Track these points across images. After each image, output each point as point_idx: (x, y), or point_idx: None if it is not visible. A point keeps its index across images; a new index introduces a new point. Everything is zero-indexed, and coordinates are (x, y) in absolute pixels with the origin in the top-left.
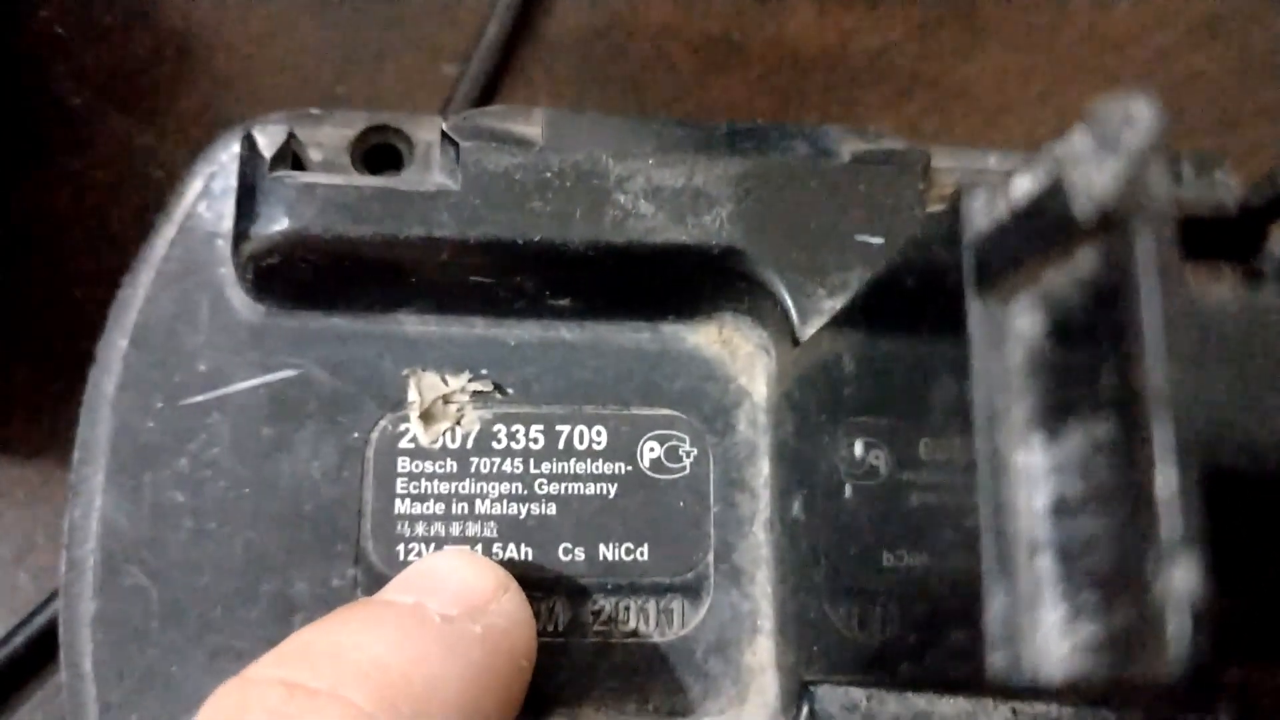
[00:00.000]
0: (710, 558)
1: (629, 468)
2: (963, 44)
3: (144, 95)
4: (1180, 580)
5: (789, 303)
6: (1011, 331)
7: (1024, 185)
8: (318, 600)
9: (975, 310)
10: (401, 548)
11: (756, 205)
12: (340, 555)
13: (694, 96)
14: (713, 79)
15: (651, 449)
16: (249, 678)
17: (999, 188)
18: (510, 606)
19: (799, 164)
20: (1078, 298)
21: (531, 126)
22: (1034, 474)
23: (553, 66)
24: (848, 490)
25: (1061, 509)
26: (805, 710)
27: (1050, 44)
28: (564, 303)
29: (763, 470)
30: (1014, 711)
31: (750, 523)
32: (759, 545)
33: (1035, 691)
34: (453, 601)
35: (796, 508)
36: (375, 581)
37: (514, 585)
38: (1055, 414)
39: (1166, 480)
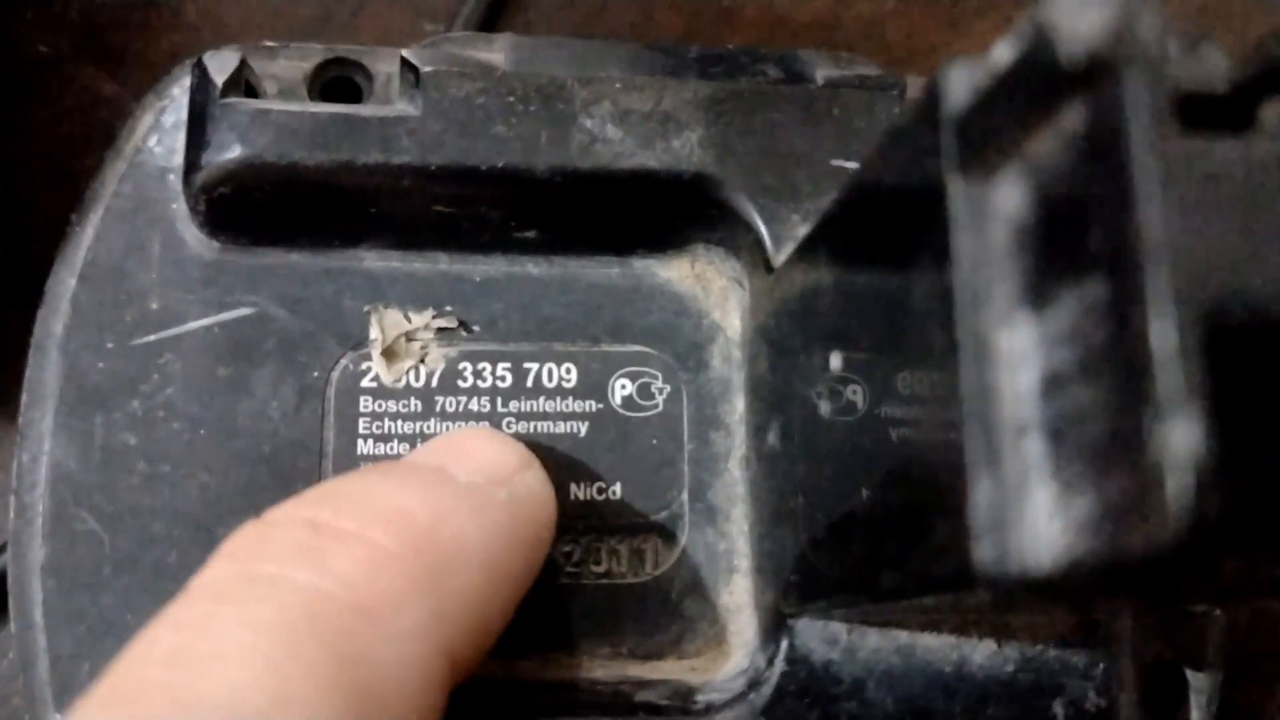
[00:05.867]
0: (684, 496)
1: (600, 406)
2: (957, 17)
3: (113, 45)
4: (1180, 436)
5: (762, 229)
6: (994, 210)
7: (1006, 49)
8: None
9: (956, 190)
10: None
11: (727, 129)
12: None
13: None
14: (699, 44)
15: (623, 386)
16: (269, 519)
17: (978, 59)
18: (533, 480)
19: (771, 88)
20: (1065, 159)
21: (494, 52)
22: (1019, 353)
23: (535, 28)
24: (825, 426)
25: (1050, 384)
26: (784, 645)
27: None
28: (530, 235)
29: (738, 407)
30: (999, 644)
31: (726, 460)
32: (735, 483)
33: (1024, 584)
34: (477, 470)
35: (772, 444)
36: None
37: (536, 463)
38: (1042, 286)
39: (1163, 331)
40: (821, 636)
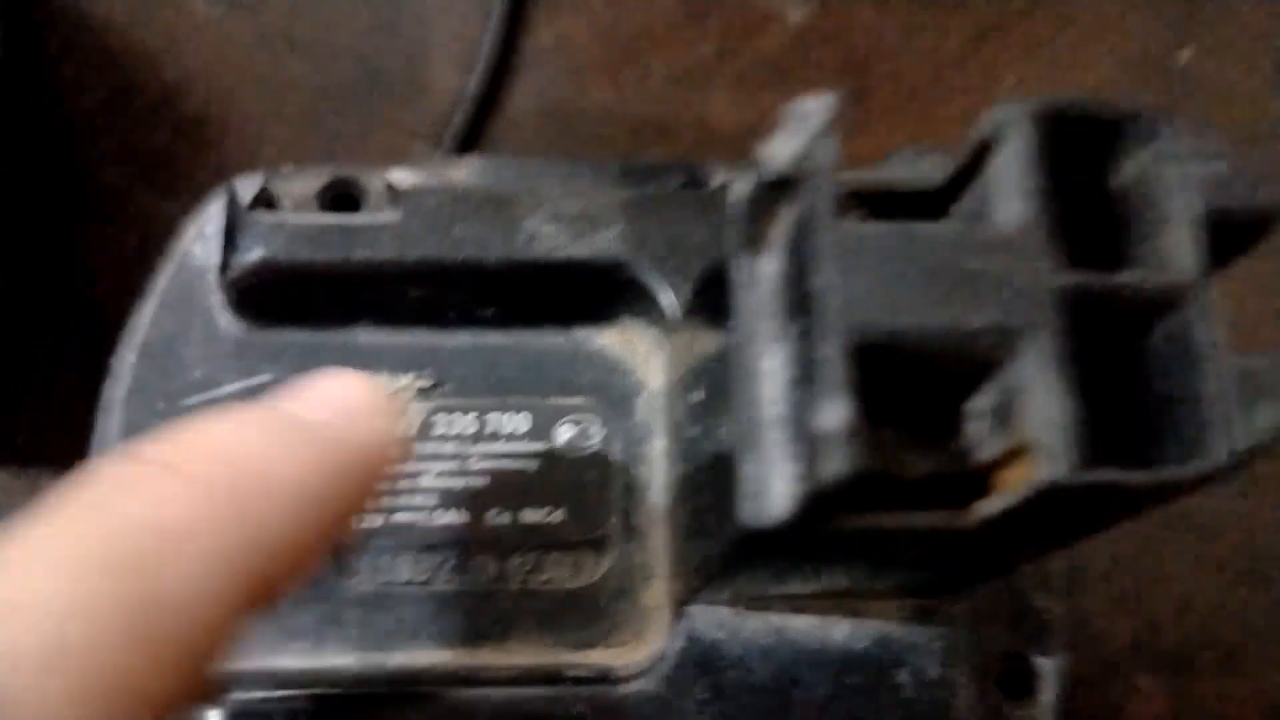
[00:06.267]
0: (614, 518)
1: (547, 446)
2: (864, 120)
3: (166, 173)
4: (831, 417)
5: (668, 304)
6: (761, 275)
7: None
8: None
9: (737, 262)
10: (360, 515)
11: (640, 225)
12: None
13: None
14: (644, 153)
15: (566, 431)
16: (110, 456)
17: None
18: (380, 425)
19: (676, 192)
20: (793, 239)
21: (460, 170)
22: (772, 372)
23: (507, 145)
24: (695, 450)
25: (787, 391)
26: (682, 627)
27: (926, 120)
28: (489, 312)
29: (658, 445)
30: (855, 625)
31: (648, 489)
32: (656, 507)
33: (770, 530)
34: (321, 409)
35: (688, 479)
36: (335, 543)
37: (393, 414)
38: (785, 323)
39: (825, 349)
40: (711, 620)
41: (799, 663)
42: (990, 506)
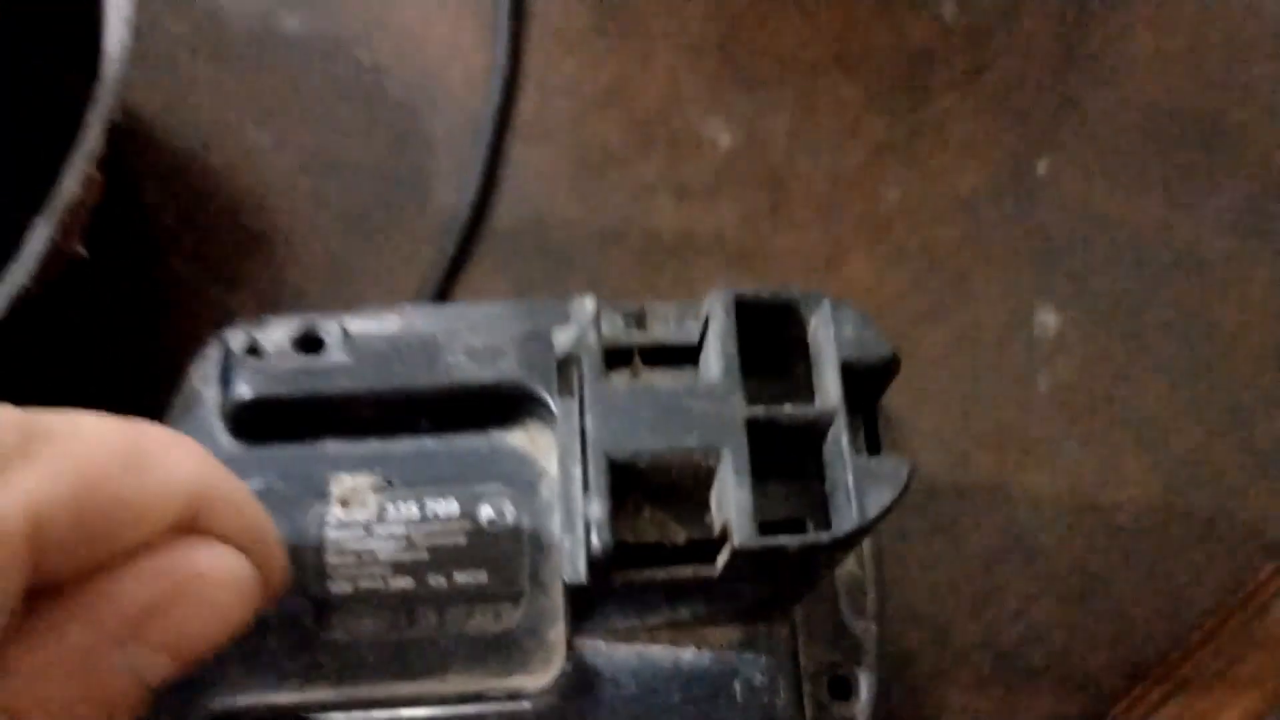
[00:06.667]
0: (526, 576)
1: (472, 524)
2: (773, 226)
3: (230, 272)
4: (594, 510)
5: (556, 412)
6: (572, 412)
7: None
8: (282, 610)
9: (560, 403)
10: (329, 582)
11: (531, 353)
12: (294, 587)
13: (589, 269)
14: (605, 256)
15: (486, 511)
16: None
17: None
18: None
19: (555, 324)
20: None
21: (395, 316)
22: (578, 478)
23: (493, 252)
24: None
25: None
26: (572, 656)
27: (829, 225)
28: (424, 423)
29: (558, 519)
30: (699, 648)
31: (551, 552)
32: (557, 567)
33: (579, 584)
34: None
35: None
36: (316, 605)
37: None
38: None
39: (589, 464)
40: (592, 650)
41: (657, 678)
42: (719, 563)
